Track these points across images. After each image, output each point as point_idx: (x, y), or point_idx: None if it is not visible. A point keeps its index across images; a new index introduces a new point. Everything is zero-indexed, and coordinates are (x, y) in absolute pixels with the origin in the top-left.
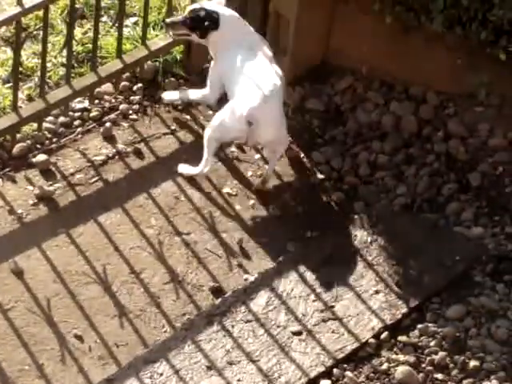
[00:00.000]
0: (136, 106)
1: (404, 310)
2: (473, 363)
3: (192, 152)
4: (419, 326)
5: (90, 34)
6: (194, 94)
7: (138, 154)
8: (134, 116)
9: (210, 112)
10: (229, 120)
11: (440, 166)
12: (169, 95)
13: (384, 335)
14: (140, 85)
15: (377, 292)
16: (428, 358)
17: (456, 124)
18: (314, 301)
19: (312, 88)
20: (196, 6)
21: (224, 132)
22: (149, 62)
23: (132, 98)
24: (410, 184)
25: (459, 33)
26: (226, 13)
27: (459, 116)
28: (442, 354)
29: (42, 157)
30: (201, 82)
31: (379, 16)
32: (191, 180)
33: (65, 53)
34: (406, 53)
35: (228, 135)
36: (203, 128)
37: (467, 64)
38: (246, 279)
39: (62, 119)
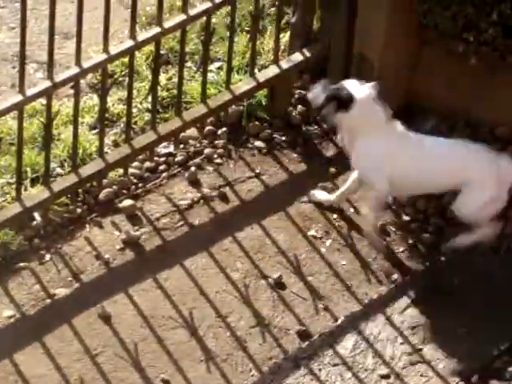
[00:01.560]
0: (220, 150)
1: (495, 352)
2: None
3: (277, 196)
4: (510, 368)
5: (175, 79)
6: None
7: (223, 197)
8: (219, 160)
9: (295, 155)
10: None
11: None
12: (321, 195)
13: (474, 378)
14: (224, 129)
15: (466, 334)
16: None
17: None
18: (401, 343)
19: None
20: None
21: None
22: (233, 106)
23: (216, 142)
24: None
25: None
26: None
27: None
28: None
29: (127, 202)
30: (284, 126)
31: (464, 57)
32: (276, 222)
33: (150, 99)
34: (491, 93)
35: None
36: (288, 171)
37: None
38: (332, 322)
39: (147, 164)
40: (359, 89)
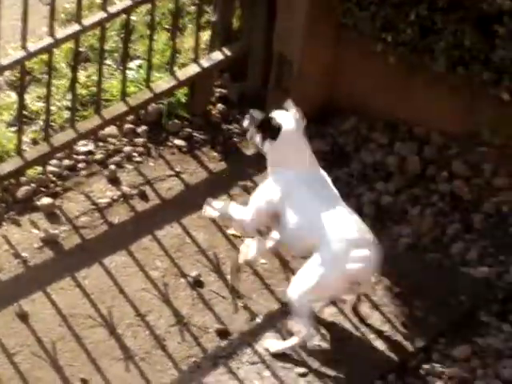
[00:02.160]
0: (140, 149)
1: (410, 350)
2: None
3: (197, 194)
4: (426, 366)
5: (94, 77)
6: (235, 212)
7: (143, 196)
8: (139, 158)
9: (215, 153)
10: (327, 278)
11: (444, 206)
12: (210, 211)
13: (391, 376)
14: (144, 127)
15: (383, 333)
16: None
17: (460, 164)
18: (320, 341)
19: (316, 129)
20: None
21: (322, 292)
22: (153, 105)
23: (136, 140)
24: (415, 224)
25: (462, 73)
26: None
27: (463, 156)
28: None
29: (46, 200)
30: (204, 124)
31: (382, 57)
32: (196, 221)
33: (69, 96)
34: (409, 93)
35: (327, 295)
36: (207, 169)
37: (470, 104)
38: (251, 321)
39: (66, 162)
40: (288, 119)
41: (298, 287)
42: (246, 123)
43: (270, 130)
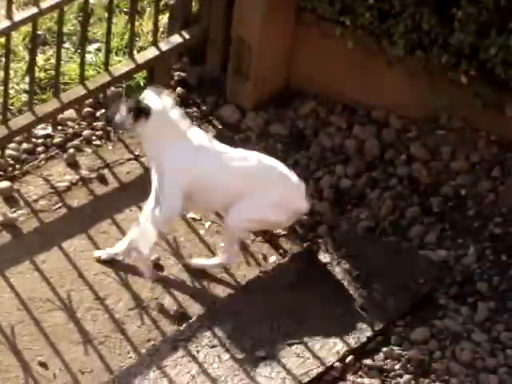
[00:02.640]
0: (99, 132)
1: (369, 333)
2: None
3: None
4: (384, 349)
5: (53, 60)
6: (136, 233)
7: (102, 179)
8: (98, 142)
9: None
10: (271, 214)
11: (403, 190)
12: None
13: (349, 359)
14: (103, 111)
15: (341, 315)
16: (393, 382)
17: (418, 147)
18: (279, 325)
19: (275, 112)
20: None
21: (262, 224)
22: (112, 88)
23: (95, 124)
24: (373, 207)
25: (420, 57)
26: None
27: (421, 139)
28: (406, 377)
29: (4, 184)
30: None
31: (341, 40)
32: None
33: (27, 79)
34: (368, 77)
35: (266, 226)
36: None
37: (429, 88)
38: (211, 304)
39: (24, 146)
40: (157, 100)
41: (240, 214)
42: (119, 116)
43: (142, 112)
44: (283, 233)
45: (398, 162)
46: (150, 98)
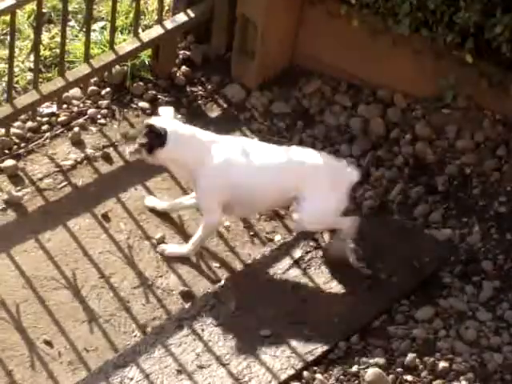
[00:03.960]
0: (104, 111)
1: (374, 312)
2: (442, 364)
3: None
4: (389, 327)
5: (58, 38)
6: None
7: (107, 158)
8: (103, 120)
9: (179, 116)
10: (325, 215)
11: (408, 169)
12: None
13: (354, 338)
14: (108, 89)
15: (346, 294)
16: (398, 360)
17: (423, 126)
18: (284, 304)
19: (280, 91)
20: (148, 121)
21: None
22: (117, 67)
23: (100, 102)
24: (378, 186)
25: (426, 35)
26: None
27: (426, 118)
28: (411, 355)
29: (9, 162)
30: (168, 86)
31: (347, 19)
32: (160, 183)
33: (32, 58)
34: (373, 56)
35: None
36: None
37: (434, 66)
38: (216, 283)
39: (29, 124)
40: (166, 122)
41: (311, 215)
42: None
43: (157, 138)
44: (287, 212)
45: (403, 142)
46: (158, 122)
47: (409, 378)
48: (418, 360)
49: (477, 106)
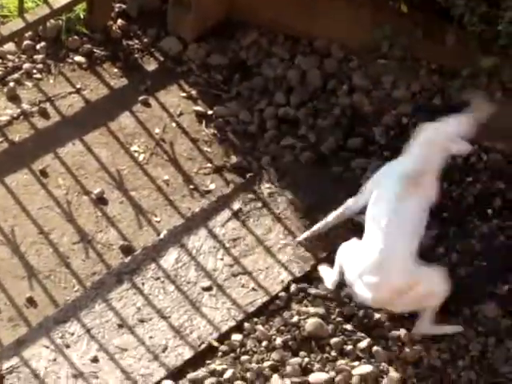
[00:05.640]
0: (40, 65)
1: (312, 262)
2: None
3: (99, 111)
4: None
5: None
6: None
7: (44, 113)
8: (39, 75)
9: (116, 70)
10: None
11: (345, 119)
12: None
13: (293, 288)
14: (43, 43)
15: (285, 245)
16: (337, 310)
17: (360, 77)
18: (223, 256)
19: (217, 44)
20: None
21: None
22: (51, 21)
23: (35, 57)
24: (316, 137)
25: None
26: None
27: (363, 69)
28: (351, 304)
29: None
30: (104, 40)
31: None
32: (98, 138)
33: None
34: (309, 7)
35: None
36: (108, 86)
37: (370, 17)
38: (155, 237)
39: None
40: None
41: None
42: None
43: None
44: (226, 164)
45: (340, 92)
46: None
47: (348, 327)
48: (356, 308)
49: (412, 56)
